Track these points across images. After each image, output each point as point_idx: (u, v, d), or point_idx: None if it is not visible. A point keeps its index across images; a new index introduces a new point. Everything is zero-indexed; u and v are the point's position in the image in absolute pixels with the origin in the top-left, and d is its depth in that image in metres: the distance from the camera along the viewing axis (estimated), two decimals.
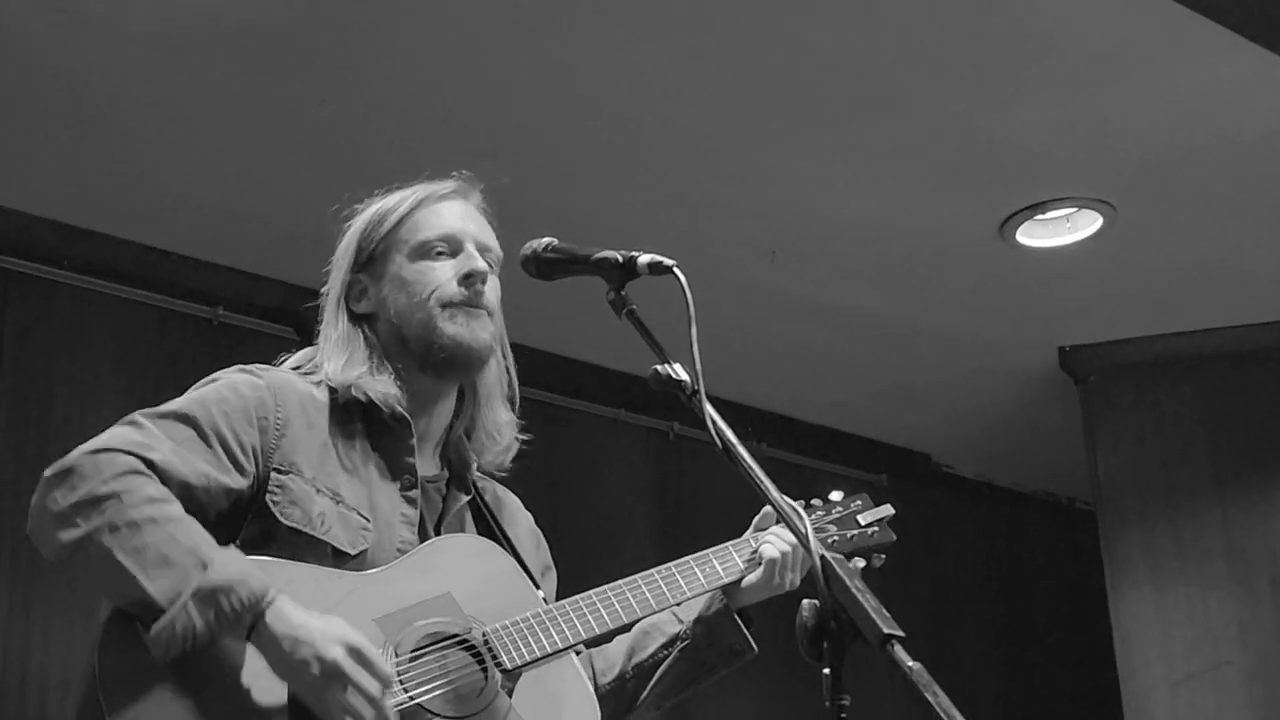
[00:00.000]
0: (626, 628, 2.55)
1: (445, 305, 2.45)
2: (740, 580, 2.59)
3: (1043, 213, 4.97)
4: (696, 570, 2.56)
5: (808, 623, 1.75)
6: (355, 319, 2.51)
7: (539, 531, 2.70)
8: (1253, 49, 4.18)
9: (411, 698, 2.20)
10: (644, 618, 2.53)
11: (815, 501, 2.82)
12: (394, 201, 2.56)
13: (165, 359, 4.79)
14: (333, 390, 2.43)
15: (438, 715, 2.21)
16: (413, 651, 2.25)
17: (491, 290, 2.50)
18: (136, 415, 2.27)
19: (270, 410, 2.34)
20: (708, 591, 2.58)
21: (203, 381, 2.38)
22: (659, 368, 2.11)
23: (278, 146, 4.44)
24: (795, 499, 2.78)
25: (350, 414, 2.43)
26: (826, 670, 1.72)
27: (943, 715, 1.62)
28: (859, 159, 4.67)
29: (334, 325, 2.51)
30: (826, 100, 4.39)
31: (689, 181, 4.73)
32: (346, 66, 4.14)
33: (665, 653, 2.61)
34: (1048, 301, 5.54)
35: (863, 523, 2.82)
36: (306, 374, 2.48)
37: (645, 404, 5.80)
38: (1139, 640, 5.59)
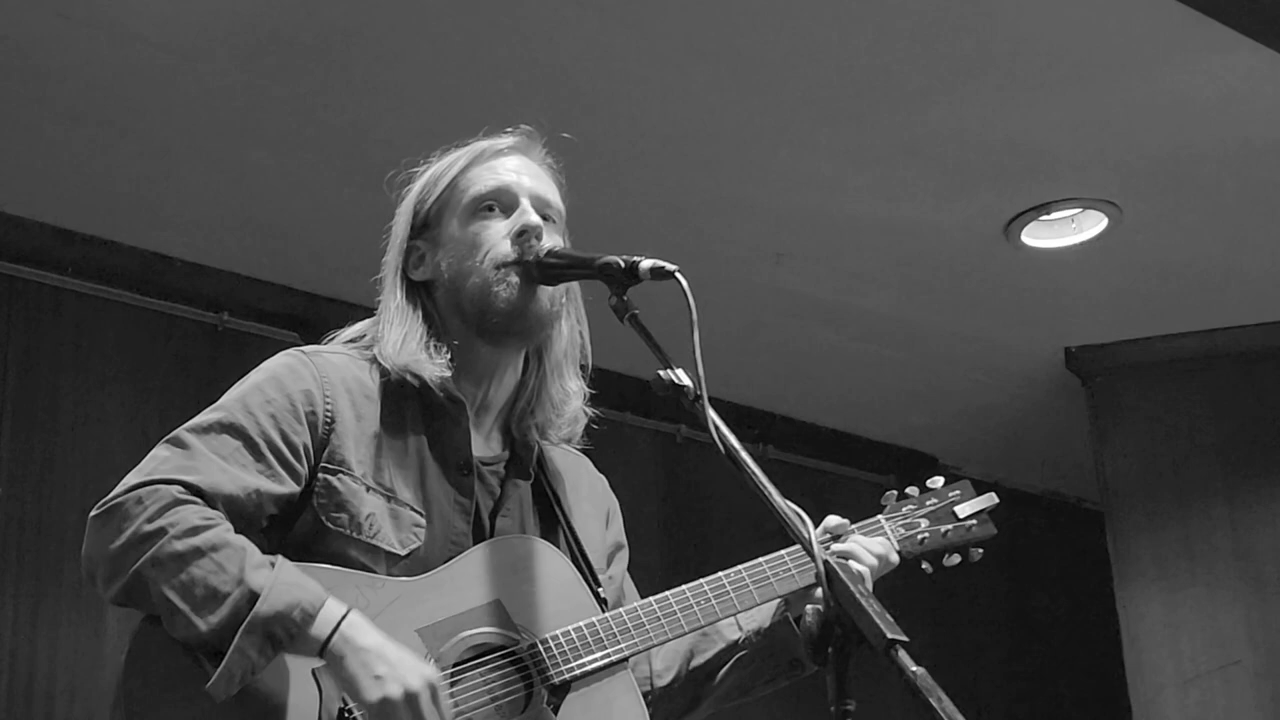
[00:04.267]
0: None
1: (499, 266, 2.33)
2: (810, 588, 2.42)
3: (1048, 213, 4.96)
4: (768, 573, 2.41)
5: (812, 628, 1.74)
6: (413, 288, 2.39)
7: (614, 504, 2.59)
8: (1258, 49, 4.17)
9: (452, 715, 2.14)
10: (706, 625, 2.41)
11: (910, 490, 2.65)
12: (448, 161, 2.45)
13: (170, 365, 4.79)
14: (384, 371, 2.32)
15: None
16: (455, 665, 2.19)
17: (549, 245, 2.35)
18: (181, 433, 2.20)
19: (319, 403, 2.25)
20: (774, 599, 2.43)
21: (250, 374, 2.29)
22: (662, 373, 2.08)
23: (281, 151, 4.43)
24: (889, 488, 2.67)
25: (403, 394, 2.32)
26: (831, 676, 1.71)
27: None
28: (864, 160, 4.66)
29: (391, 296, 2.38)
30: (831, 101, 4.38)
31: (694, 183, 4.72)
32: (349, 70, 4.14)
33: (724, 659, 2.48)
34: (1054, 302, 5.53)
35: (960, 515, 2.65)
36: (365, 347, 2.38)
37: (652, 407, 5.79)
38: (1147, 640, 5.58)
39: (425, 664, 2.10)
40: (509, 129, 2.49)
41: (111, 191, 4.54)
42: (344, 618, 2.07)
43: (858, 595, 1.72)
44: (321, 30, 3.98)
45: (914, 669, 1.66)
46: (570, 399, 2.45)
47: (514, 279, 2.32)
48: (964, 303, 5.49)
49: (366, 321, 2.44)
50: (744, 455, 1.96)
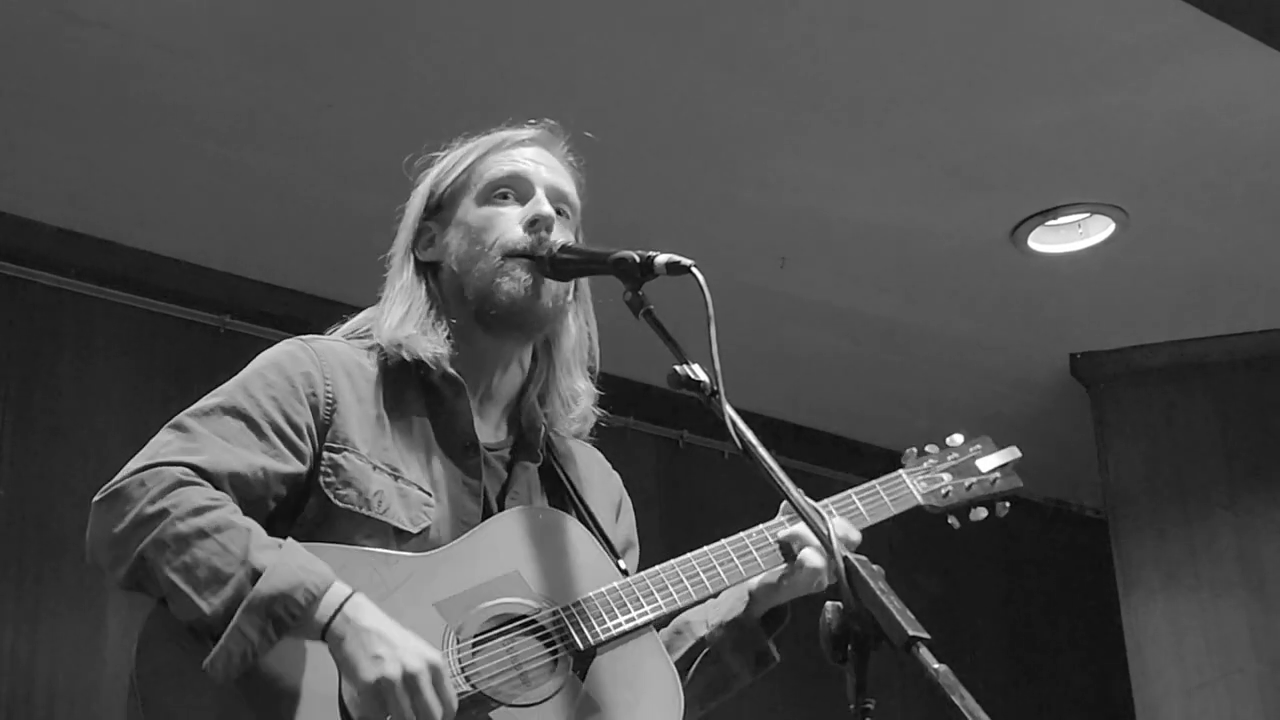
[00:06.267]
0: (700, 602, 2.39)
1: (509, 255, 2.31)
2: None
3: (1054, 218, 4.95)
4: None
5: (831, 625, 1.72)
6: (420, 268, 2.39)
7: (625, 499, 2.56)
8: (1267, 52, 4.16)
9: (474, 686, 2.10)
10: (731, 585, 2.36)
11: (930, 448, 2.65)
12: (468, 147, 2.45)
13: (172, 367, 4.76)
14: (384, 355, 2.32)
15: (503, 704, 2.10)
16: (476, 636, 2.14)
17: (560, 239, 2.34)
18: (183, 417, 2.18)
19: (319, 385, 2.24)
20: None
21: (251, 363, 2.29)
22: (678, 368, 2.07)
23: (284, 152, 4.41)
24: (907, 449, 2.65)
25: (404, 379, 2.32)
26: (850, 674, 1.69)
27: (969, 718, 1.59)
28: (870, 163, 4.64)
29: (399, 274, 2.39)
30: (837, 104, 4.37)
31: (698, 186, 4.71)
32: (353, 70, 4.12)
33: (693, 657, 2.43)
34: (1059, 307, 5.52)
35: (983, 469, 2.65)
36: (361, 338, 2.37)
37: (654, 412, 5.77)
38: (1151, 648, 5.57)
39: (430, 648, 2.05)
40: (533, 120, 2.50)
41: (112, 192, 4.53)
42: (348, 599, 2.03)
43: (878, 592, 1.70)
44: (322, 30, 3.97)
45: (936, 666, 1.64)
46: (580, 398, 2.45)
47: (520, 273, 2.31)
48: (969, 308, 5.47)
49: (368, 311, 2.44)
50: (761, 451, 1.94)
